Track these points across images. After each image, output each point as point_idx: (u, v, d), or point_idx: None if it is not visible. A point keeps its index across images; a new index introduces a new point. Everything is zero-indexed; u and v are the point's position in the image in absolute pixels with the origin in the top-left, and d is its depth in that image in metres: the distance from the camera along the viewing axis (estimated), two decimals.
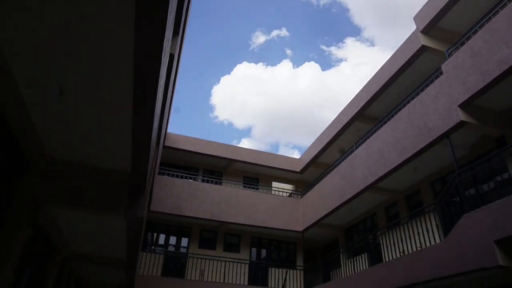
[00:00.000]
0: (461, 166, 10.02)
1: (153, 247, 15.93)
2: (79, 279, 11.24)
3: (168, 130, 16.52)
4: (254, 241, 17.42)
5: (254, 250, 17.33)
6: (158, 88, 3.84)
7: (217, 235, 16.78)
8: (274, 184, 19.55)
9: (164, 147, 16.48)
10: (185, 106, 67.88)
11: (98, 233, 7.30)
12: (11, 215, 4.66)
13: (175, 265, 15.14)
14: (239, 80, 63.53)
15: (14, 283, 5.46)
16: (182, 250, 16.28)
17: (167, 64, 4.89)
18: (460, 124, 8.88)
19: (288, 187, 19.93)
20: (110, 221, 6.35)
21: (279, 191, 18.35)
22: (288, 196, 18.49)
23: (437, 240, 9.29)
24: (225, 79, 65.74)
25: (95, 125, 4.58)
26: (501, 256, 7.01)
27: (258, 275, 15.73)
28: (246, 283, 15.27)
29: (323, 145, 16.95)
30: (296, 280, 15.79)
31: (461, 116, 8.84)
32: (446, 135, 9.25)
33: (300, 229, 16.73)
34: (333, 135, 16.15)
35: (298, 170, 18.87)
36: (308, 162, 18.17)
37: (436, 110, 9.73)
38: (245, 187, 18.31)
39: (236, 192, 16.90)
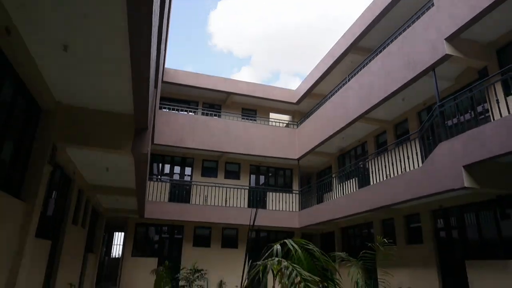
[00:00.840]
0: (445, 97, 10.59)
1: (159, 176, 17.17)
2: (95, 206, 12.51)
3: (167, 62, 16.77)
4: (253, 169, 18.65)
5: (253, 176, 18.63)
6: (152, 29, 4.19)
7: (218, 164, 17.95)
8: (272, 115, 20.23)
9: (164, 82, 16.88)
10: (182, 35, 65.82)
11: (109, 167, 8.19)
12: (35, 155, 5.43)
13: (180, 192, 16.49)
14: (237, 4, 60.79)
15: (43, 210, 6.44)
16: (186, 178, 17.57)
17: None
18: (445, 57, 9.23)
19: (285, 117, 20.65)
20: (118, 157, 7.16)
21: (276, 122, 19.10)
22: (285, 126, 19.30)
23: (418, 165, 10.21)
24: (222, 3, 62.88)
25: (97, 72, 5.08)
26: (467, 179, 7.92)
27: (257, 199, 17.16)
28: (246, 206, 16.76)
29: (318, 77, 17.26)
30: (293, 203, 17.27)
31: (446, 49, 9.14)
32: (432, 68, 9.65)
33: (296, 157, 17.81)
34: (327, 67, 16.37)
35: (294, 101, 19.40)
36: (304, 94, 18.63)
37: (424, 42, 9.97)
38: (243, 118, 19.04)
39: (235, 124, 17.67)
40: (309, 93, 18.49)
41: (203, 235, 16.59)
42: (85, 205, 10.41)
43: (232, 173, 18.15)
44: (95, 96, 5.81)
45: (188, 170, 17.74)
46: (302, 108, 20.00)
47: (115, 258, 21.47)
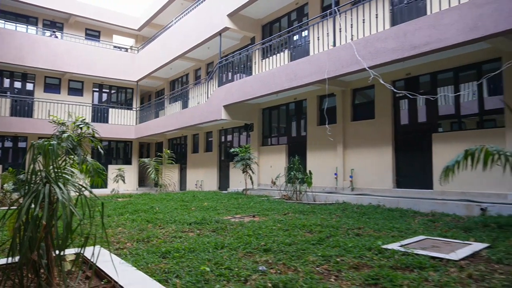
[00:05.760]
0: (235, 51, 15.01)
1: None
2: None
3: None
4: (96, 87, 20.98)
5: (96, 94, 21.07)
6: None
7: (61, 82, 19.68)
8: (115, 37, 22.09)
9: None
10: None
11: None
12: None
13: (22, 107, 18.09)
14: None
15: None
16: (29, 90, 18.91)
17: None
18: (225, 29, 13.38)
19: (130, 40, 22.77)
20: None
21: (119, 46, 21.22)
22: (127, 50, 21.64)
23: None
24: None
25: None
26: (224, 114, 12.82)
27: (100, 114, 19.99)
28: (90, 121, 19.51)
29: (155, 11, 19.73)
30: (131, 118, 20.75)
31: (226, 23, 13.25)
32: (219, 33, 13.76)
33: (135, 79, 20.81)
34: (163, 4, 18.94)
35: (136, 28, 21.59)
36: (144, 23, 20.96)
37: (216, 13, 13.81)
38: (87, 39, 20.53)
39: (78, 45, 19.23)
40: (149, 22, 20.89)
41: None
42: None
43: (76, 91, 20.21)
44: None
45: (29, 86, 19.05)
46: (144, 33, 22.36)
47: None
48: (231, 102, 12.52)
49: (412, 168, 8.89)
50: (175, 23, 17.35)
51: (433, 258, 3.16)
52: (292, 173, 9.17)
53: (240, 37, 14.87)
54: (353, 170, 9.98)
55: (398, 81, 9.29)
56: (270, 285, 2.54)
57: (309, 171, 9.26)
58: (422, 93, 8.53)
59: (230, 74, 14.58)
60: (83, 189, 2.65)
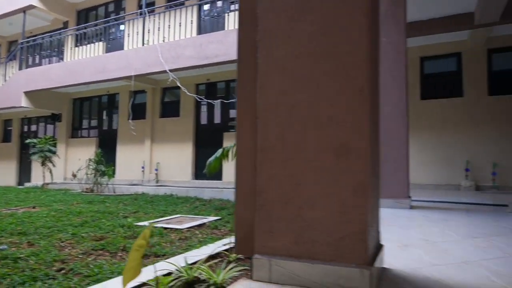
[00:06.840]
0: (45, 32, 13.68)
1: None
2: None
3: None
4: None
5: None
6: None
7: None
8: None
9: None
10: None
11: None
12: None
13: None
14: None
15: None
16: None
17: None
18: (30, 7, 12.15)
19: None
20: None
21: None
22: None
23: None
24: None
25: None
26: (24, 101, 11.63)
27: None
28: None
29: None
30: None
31: (32, 0, 12.05)
32: (22, 10, 12.36)
33: None
34: None
35: None
36: None
37: None
38: None
39: None
40: None
41: None
42: None
43: None
44: None
45: None
46: None
47: None
48: (34, 88, 11.49)
49: None
50: None
51: (166, 228, 4.03)
52: (93, 165, 9.19)
53: (51, 18, 13.70)
54: (159, 164, 10.68)
55: (200, 84, 10.47)
56: None
57: (108, 164, 9.47)
58: (208, 98, 9.91)
59: (38, 57, 13.30)
60: None
